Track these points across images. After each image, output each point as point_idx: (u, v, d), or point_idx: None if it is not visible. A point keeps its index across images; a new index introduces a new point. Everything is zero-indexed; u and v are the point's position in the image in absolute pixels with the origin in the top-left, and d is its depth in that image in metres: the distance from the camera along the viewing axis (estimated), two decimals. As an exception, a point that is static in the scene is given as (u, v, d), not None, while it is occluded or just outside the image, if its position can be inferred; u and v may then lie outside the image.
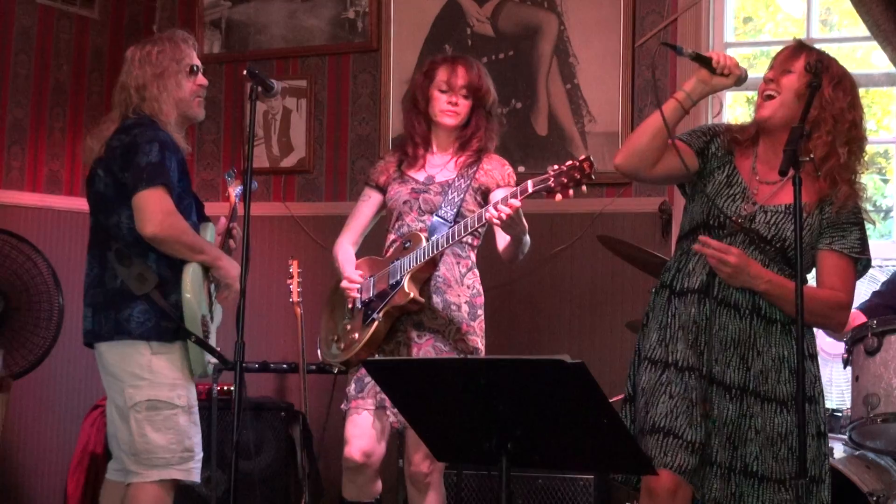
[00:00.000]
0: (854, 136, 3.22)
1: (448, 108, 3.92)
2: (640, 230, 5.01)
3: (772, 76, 3.24)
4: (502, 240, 3.84)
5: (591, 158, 3.61)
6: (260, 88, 3.61)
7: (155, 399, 3.54)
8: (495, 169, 3.97)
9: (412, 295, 3.78)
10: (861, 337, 3.75)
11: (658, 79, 5.04)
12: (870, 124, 4.59)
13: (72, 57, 5.59)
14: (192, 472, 3.62)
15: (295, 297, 4.98)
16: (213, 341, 3.69)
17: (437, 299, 3.86)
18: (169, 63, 3.67)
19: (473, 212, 3.84)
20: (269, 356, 5.22)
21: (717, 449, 3.16)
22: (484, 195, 3.94)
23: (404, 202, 3.94)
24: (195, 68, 3.73)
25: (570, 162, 3.61)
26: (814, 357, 3.26)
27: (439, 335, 3.84)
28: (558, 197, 3.59)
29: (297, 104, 5.66)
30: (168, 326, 3.55)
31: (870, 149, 5.01)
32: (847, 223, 3.22)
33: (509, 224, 3.64)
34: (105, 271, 3.61)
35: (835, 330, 3.49)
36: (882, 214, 5.05)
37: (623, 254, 4.39)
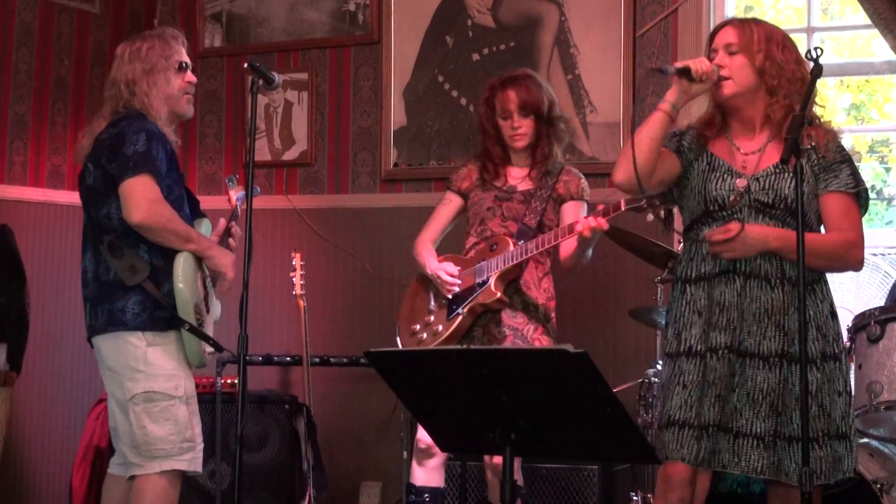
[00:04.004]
0: (801, 89, 3.22)
1: (513, 132, 4.09)
2: (643, 220, 4.98)
3: (719, 60, 3.27)
4: (566, 248, 3.94)
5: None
6: (261, 81, 3.62)
7: (152, 391, 3.55)
8: (572, 182, 4.13)
9: (498, 294, 3.98)
10: (864, 325, 3.75)
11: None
12: (871, 112, 4.60)
13: (73, 51, 5.58)
14: (194, 462, 3.62)
15: (298, 290, 4.97)
16: (209, 332, 3.69)
17: (517, 299, 4.04)
18: (158, 59, 3.68)
19: (553, 220, 4.05)
20: (273, 349, 5.22)
21: (751, 420, 3.16)
22: (561, 205, 4.09)
23: (487, 208, 4.11)
24: (184, 65, 3.74)
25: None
26: (834, 315, 3.27)
27: (518, 332, 4.00)
28: (650, 217, 3.65)
29: (298, 97, 5.66)
30: (162, 316, 3.56)
31: (871, 136, 5.04)
32: (835, 162, 3.25)
33: (591, 238, 3.77)
34: (99, 265, 3.62)
35: (854, 269, 3.44)
36: (885, 203, 5.04)
37: (626, 244, 4.40)
